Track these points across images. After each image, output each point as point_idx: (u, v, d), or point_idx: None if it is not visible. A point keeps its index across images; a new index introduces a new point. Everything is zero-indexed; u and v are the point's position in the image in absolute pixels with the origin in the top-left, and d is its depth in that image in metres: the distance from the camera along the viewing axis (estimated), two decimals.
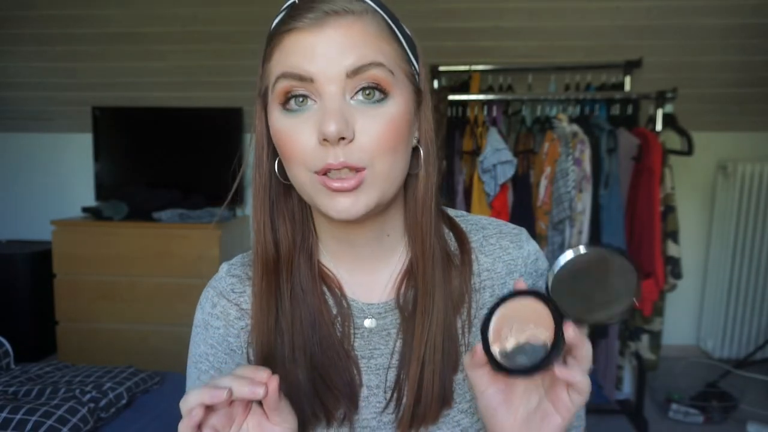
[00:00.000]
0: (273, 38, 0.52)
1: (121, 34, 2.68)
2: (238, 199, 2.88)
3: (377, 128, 0.50)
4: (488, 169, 2.09)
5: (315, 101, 0.50)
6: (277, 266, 0.58)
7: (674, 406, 2.28)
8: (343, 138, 0.48)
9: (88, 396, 1.39)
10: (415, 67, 0.55)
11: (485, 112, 2.29)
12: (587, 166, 2.05)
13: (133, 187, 2.83)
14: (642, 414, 2.24)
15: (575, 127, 2.09)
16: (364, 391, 0.60)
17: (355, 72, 0.49)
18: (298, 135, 0.50)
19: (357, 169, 0.50)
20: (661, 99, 2.15)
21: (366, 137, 0.50)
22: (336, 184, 0.50)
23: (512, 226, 0.65)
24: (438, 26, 2.52)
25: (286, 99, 0.51)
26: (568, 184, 2.04)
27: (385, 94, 0.51)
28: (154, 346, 2.56)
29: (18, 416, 1.24)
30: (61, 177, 3.10)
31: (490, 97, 2.23)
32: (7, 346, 1.65)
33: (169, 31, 2.67)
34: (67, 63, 2.80)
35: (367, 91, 0.50)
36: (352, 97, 0.50)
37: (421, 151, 0.57)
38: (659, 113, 2.17)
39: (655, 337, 2.23)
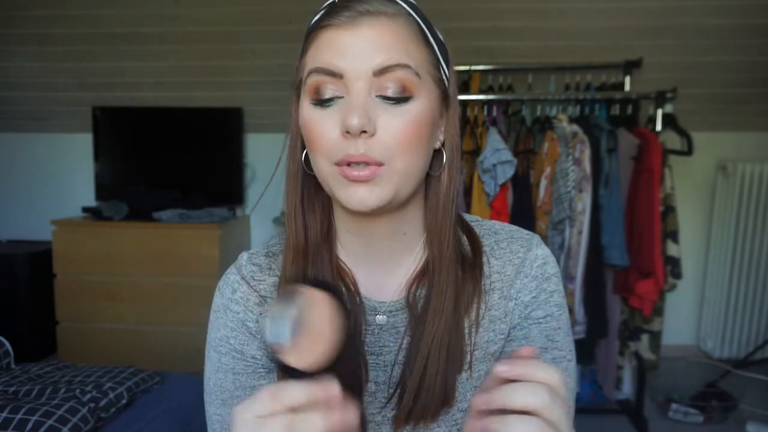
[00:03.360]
0: (310, 34, 0.55)
1: (121, 34, 2.68)
2: (238, 200, 2.88)
3: (398, 126, 0.52)
4: (488, 169, 2.09)
5: (342, 96, 0.53)
6: (306, 253, 0.60)
7: (674, 406, 2.28)
8: (365, 132, 0.51)
9: (88, 396, 1.38)
10: (444, 72, 0.57)
11: (485, 112, 2.29)
12: (587, 166, 2.05)
13: (133, 187, 2.84)
14: (642, 414, 2.24)
15: (575, 127, 2.09)
16: (371, 387, 0.62)
17: (381, 71, 0.51)
18: (324, 127, 0.53)
19: (376, 164, 0.52)
20: (661, 99, 2.15)
21: (387, 134, 0.52)
22: (354, 173, 0.52)
23: (525, 231, 0.67)
24: (438, 26, 2.52)
25: (317, 93, 0.53)
26: (568, 184, 2.04)
27: (408, 94, 0.53)
28: (154, 346, 2.56)
29: (18, 416, 1.24)
30: (61, 177, 3.10)
31: (490, 97, 2.23)
32: (7, 346, 1.65)
33: (169, 31, 2.67)
34: (67, 63, 2.80)
35: (391, 91, 0.52)
36: (377, 95, 0.52)
37: (445, 154, 0.58)
38: (659, 113, 2.17)
39: (655, 337, 2.22)
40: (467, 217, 0.68)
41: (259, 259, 0.65)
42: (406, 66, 0.52)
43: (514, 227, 0.67)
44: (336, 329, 0.43)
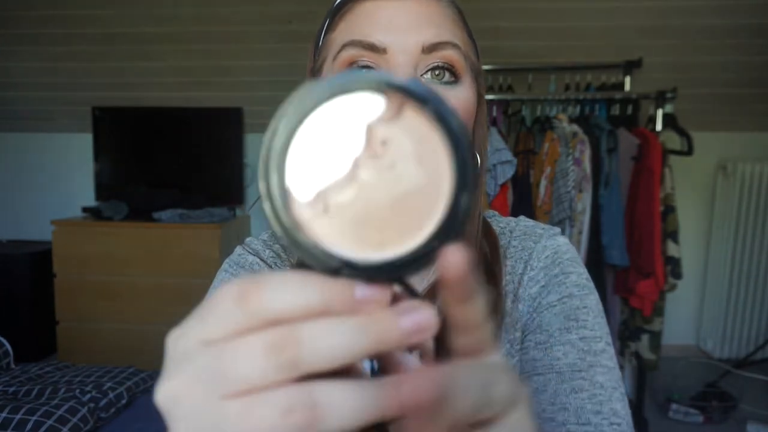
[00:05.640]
0: (340, 8, 0.49)
1: (121, 34, 2.68)
2: (238, 200, 2.88)
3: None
4: (488, 169, 2.09)
5: None
6: None
7: (674, 406, 2.28)
8: None
9: (88, 396, 1.39)
10: (478, 69, 0.53)
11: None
12: (587, 166, 2.05)
13: (133, 187, 2.84)
14: (642, 414, 2.24)
15: (575, 127, 2.09)
16: None
17: (432, 48, 0.46)
18: None
19: None
20: (661, 99, 2.15)
21: None
22: None
23: (542, 226, 0.62)
24: None
25: (351, 67, 0.47)
26: (568, 184, 2.04)
27: (456, 77, 0.48)
28: (154, 346, 2.56)
29: (18, 416, 1.24)
30: (61, 177, 3.10)
31: (490, 97, 2.23)
32: (7, 346, 1.65)
33: (169, 31, 2.67)
34: (67, 63, 2.80)
35: (438, 71, 0.47)
36: (422, 75, 0.47)
37: (477, 157, 0.54)
38: (659, 113, 2.17)
39: (655, 337, 2.22)
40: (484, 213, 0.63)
41: (263, 237, 0.64)
42: (456, 45, 0.47)
43: (532, 222, 0.62)
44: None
